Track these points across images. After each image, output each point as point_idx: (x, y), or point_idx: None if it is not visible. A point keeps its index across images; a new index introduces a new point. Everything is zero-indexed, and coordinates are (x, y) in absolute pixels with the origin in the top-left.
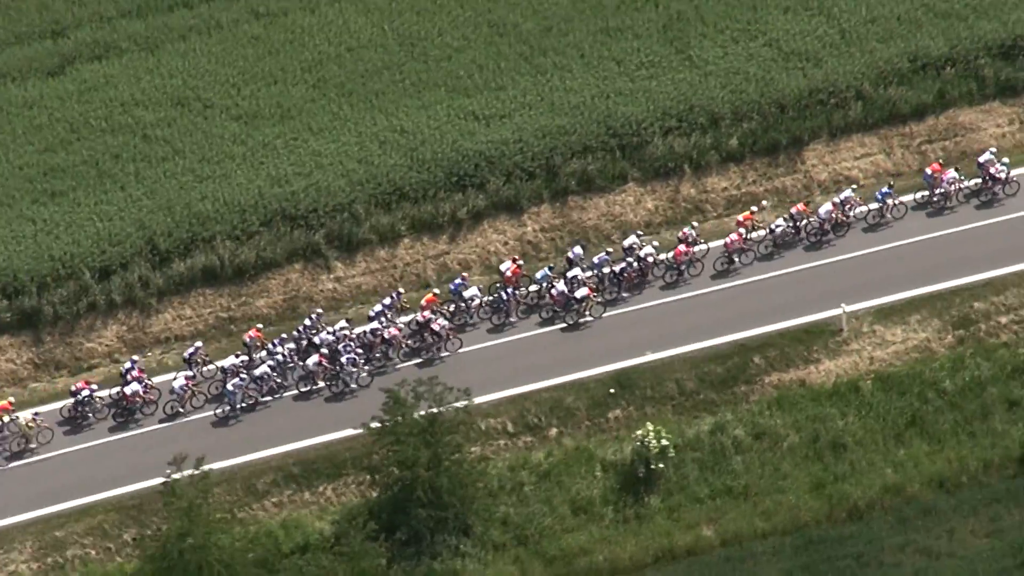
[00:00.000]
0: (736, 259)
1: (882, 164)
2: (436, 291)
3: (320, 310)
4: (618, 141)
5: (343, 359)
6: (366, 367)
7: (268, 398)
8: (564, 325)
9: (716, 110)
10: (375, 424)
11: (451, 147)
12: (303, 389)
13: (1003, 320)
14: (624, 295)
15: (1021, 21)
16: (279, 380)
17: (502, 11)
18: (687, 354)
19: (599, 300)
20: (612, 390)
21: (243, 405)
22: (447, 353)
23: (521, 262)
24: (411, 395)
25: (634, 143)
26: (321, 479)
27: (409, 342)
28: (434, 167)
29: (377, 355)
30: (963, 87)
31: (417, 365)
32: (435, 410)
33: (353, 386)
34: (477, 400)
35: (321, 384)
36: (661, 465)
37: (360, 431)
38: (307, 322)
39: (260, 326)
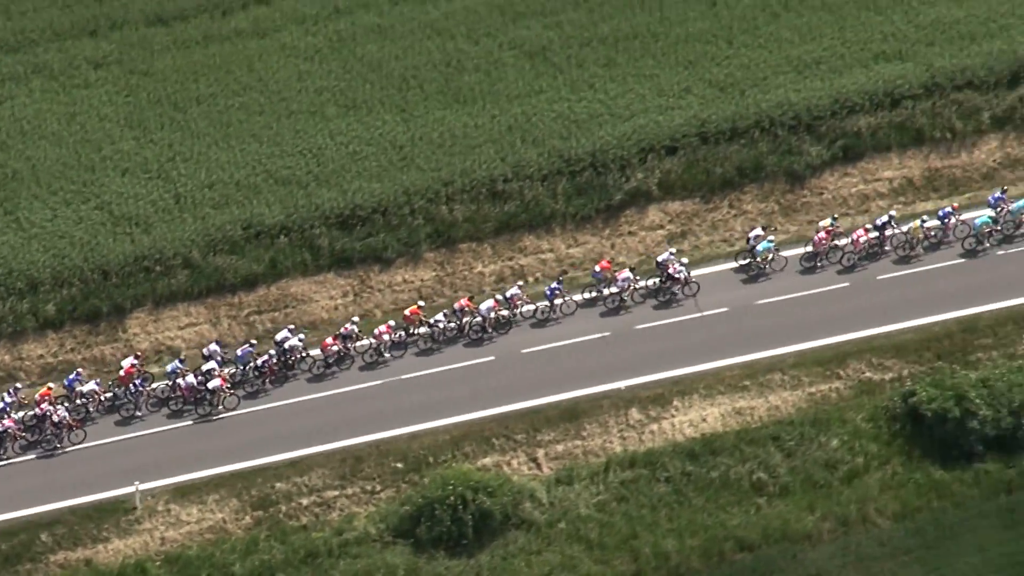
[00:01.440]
0: (386, 354)
1: (208, 334)
2: (52, 385)
3: None
4: None
5: None
6: None
7: None
8: None
9: (36, 275)
10: None
11: None
12: None
13: (304, 502)
14: (268, 387)
15: (361, 190)
16: None
17: None
18: None
19: (233, 392)
20: None
21: None
22: (71, 446)
23: (136, 361)
24: None
25: None
26: None
27: (27, 435)
28: None
29: None
30: (297, 257)
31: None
32: None
33: None
34: None
35: None
36: None
37: None
38: None
39: None
